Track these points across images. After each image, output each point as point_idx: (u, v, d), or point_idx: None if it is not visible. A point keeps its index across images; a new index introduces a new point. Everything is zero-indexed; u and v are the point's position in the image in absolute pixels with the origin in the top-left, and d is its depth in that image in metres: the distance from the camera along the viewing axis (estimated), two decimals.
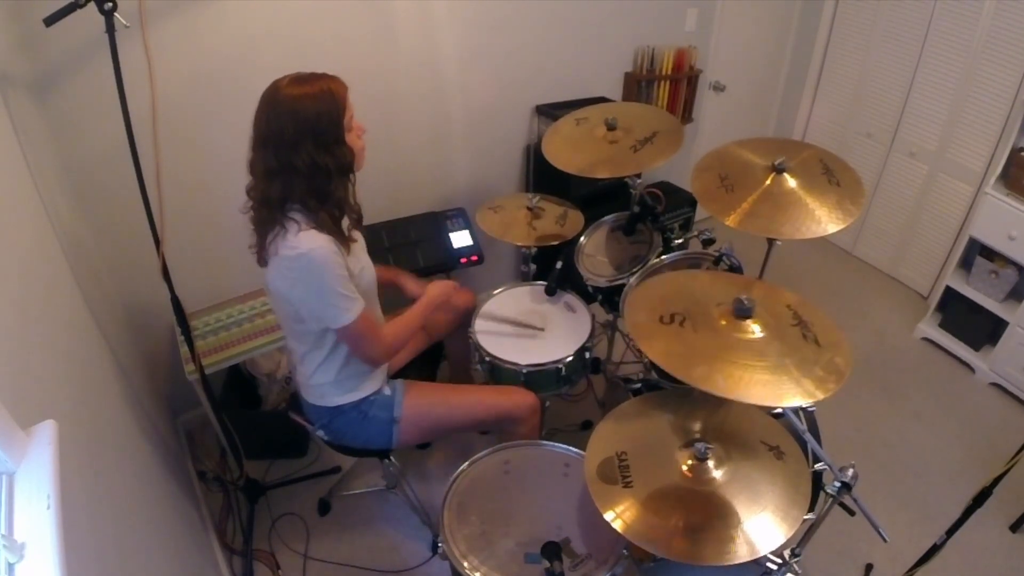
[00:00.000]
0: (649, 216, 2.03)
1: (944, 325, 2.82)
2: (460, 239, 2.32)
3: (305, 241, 1.35)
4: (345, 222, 1.47)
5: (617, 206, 2.22)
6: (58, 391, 1.14)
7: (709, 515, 1.19)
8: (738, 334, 1.27)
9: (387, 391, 1.68)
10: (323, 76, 1.36)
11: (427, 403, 1.71)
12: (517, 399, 1.73)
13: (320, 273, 1.37)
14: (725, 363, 1.20)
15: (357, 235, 1.59)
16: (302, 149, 1.31)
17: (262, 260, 1.45)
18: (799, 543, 1.31)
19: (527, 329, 1.92)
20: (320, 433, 1.70)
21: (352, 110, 1.39)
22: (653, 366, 1.77)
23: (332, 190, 1.39)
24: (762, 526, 1.16)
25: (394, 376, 1.77)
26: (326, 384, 1.59)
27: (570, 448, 1.56)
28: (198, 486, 2.17)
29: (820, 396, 1.13)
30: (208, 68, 1.90)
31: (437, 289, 1.71)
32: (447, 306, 1.74)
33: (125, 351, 1.91)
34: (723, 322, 1.29)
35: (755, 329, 1.27)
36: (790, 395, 1.15)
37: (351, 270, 1.46)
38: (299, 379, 1.66)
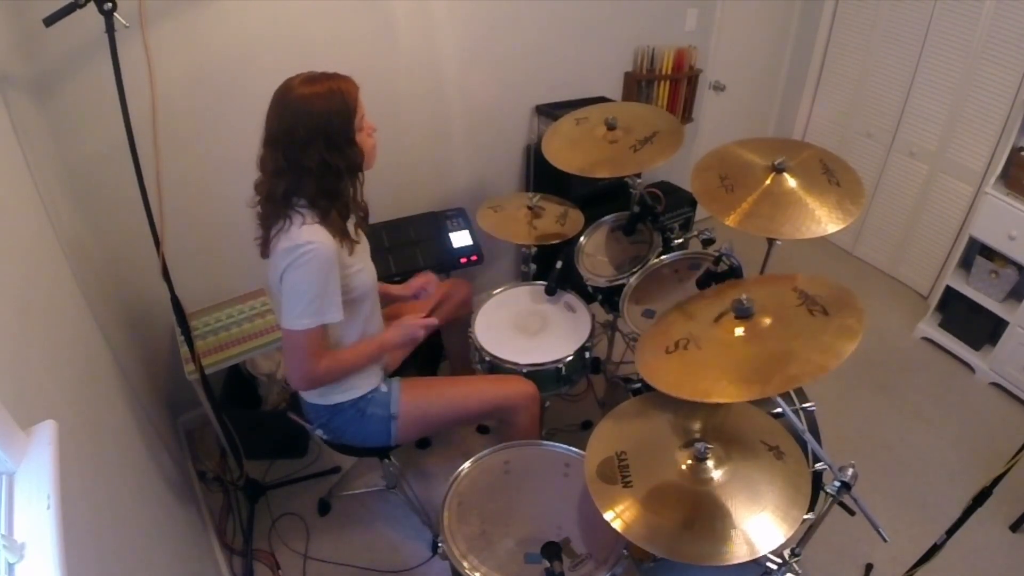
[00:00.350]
0: (649, 216, 2.03)
1: (944, 325, 2.82)
2: (460, 239, 2.32)
3: (307, 234, 1.36)
4: (351, 221, 1.48)
5: (617, 206, 2.22)
6: (58, 391, 1.14)
7: (709, 515, 1.19)
8: (745, 335, 1.25)
9: (384, 388, 1.68)
10: (335, 76, 1.36)
11: (425, 397, 1.71)
12: (515, 388, 1.73)
13: (309, 268, 1.36)
14: (732, 368, 1.20)
15: (361, 236, 1.59)
16: (312, 149, 1.32)
17: (265, 253, 1.45)
18: (799, 543, 1.31)
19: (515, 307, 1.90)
20: (319, 432, 1.70)
21: (363, 109, 1.40)
22: None
23: (342, 189, 1.40)
24: (762, 526, 1.16)
25: (392, 375, 1.77)
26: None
27: (570, 448, 1.56)
28: (198, 486, 2.17)
29: (835, 364, 1.10)
30: (208, 68, 1.90)
31: (398, 332, 1.61)
32: (411, 343, 1.65)
33: (125, 351, 1.91)
34: (730, 330, 1.27)
35: (762, 323, 1.25)
36: (802, 377, 1.12)
37: (348, 268, 1.47)
38: None
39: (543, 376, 1.81)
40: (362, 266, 1.53)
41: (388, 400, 1.66)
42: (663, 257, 1.92)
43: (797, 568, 1.29)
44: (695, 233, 1.92)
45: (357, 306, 1.54)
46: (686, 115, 3.02)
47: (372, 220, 2.23)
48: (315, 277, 1.37)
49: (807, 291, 1.28)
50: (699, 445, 1.26)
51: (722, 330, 1.28)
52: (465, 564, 1.31)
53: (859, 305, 1.20)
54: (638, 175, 1.99)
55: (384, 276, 1.97)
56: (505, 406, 1.72)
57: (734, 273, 1.68)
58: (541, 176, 2.74)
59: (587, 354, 1.88)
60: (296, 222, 1.37)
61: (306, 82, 1.33)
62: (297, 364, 1.46)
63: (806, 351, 1.15)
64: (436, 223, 2.39)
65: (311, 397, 1.64)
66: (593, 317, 1.96)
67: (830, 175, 1.59)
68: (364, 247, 1.60)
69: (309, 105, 1.31)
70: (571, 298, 2.03)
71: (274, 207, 1.39)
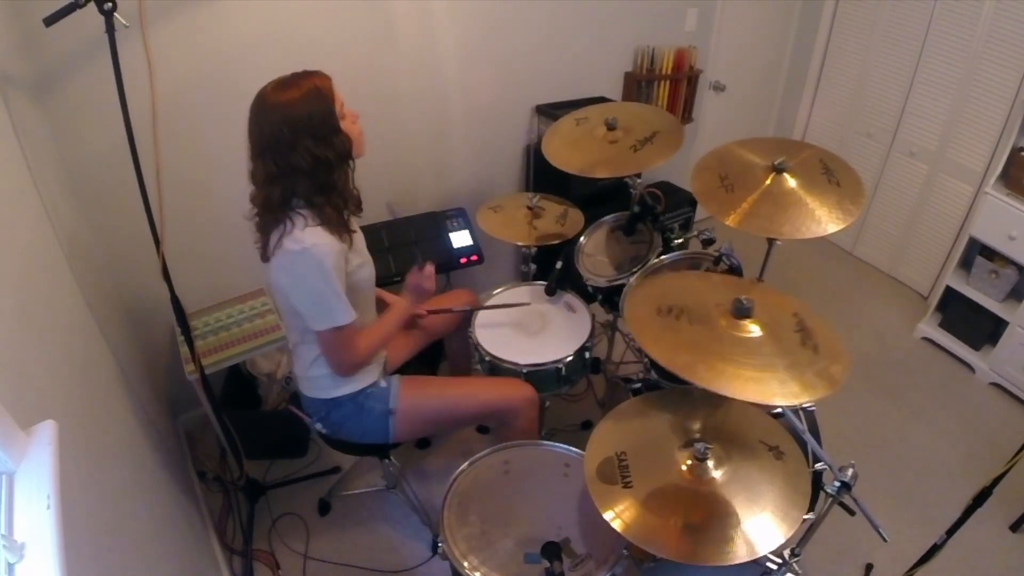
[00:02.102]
0: (649, 216, 2.03)
1: (944, 325, 2.82)
2: (460, 239, 2.32)
3: (310, 237, 1.38)
4: (348, 212, 1.49)
5: (617, 206, 2.22)
6: (58, 391, 1.14)
7: (709, 515, 1.19)
8: (734, 332, 1.28)
9: (383, 384, 1.69)
10: (304, 75, 1.38)
11: (423, 395, 1.72)
12: (514, 391, 1.73)
13: (319, 270, 1.39)
14: (711, 356, 1.22)
15: (355, 227, 1.60)
16: (301, 148, 1.34)
17: (266, 256, 1.46)
18: (799, 543, 1.31)
19: (516, 308, 1.96)
20: (318, 426, 1.70)
21: (341, 98, 1.41)
22: (652, 365, 1.77)
23: (335, 180, 1.42)
24: (762, 526, 1.16)
25: (392, 373, 1.78)
26: (323, 376, 1.61)
27: (570, 448, 1.56)
28: (198, 486, 2.17)
29: (805, 400, 1.14)
30: (208, 68, 1.90)
31: (408, 301, 1.68)
32: (425, 300, 1.72)
33: (125, 351, 1.91)
34: (722, 321, 1.30)
35: (753, 329, 1.28)
36: (773, 394, 1.17)
37: (351, 264, 1.49)
38: (297, 372, 1.68)
39: (543, 376, 1.81)
40: (361, 260, 1.56)
41: (387, 395, 1.67)
42: (663, 257, 1.92)
43: (797, 568, 1.30)
44: (695, 233, 1.92)
45: (359, 299, 1.56)
46: (686, 115, 3.02)
47: (372, 220, 2.25)
48: (330, 272, 1.40)
49: (807, 323, 1.31)
50: (699, 445, 1.26)
51: (719, 321, 1.30)
52: (465, 564, 1.31)
53: (847, 359, 1.23)
54: (638, 175, 1.99)
55: (384, 276, 1.98)
56: (503, 409, 1.72)
57: (734, 273, 1.68)
58: (541, 176, 2.73)
59: (587, 354, 1.88)
60: (298, 224, 1.38)
61: (279, 87, 1.35)
62: (343, 356, 1.53)
63: (785, 375, 1.19)
64: (436, 223, 2.39)
65: (309, 391, 1.66)
66: (593, 317, 1.96)
67: (830, 175, 1.59)
68: (360, 239, 1.61)
69: (289, 108, 1.33)
70: (571, 298, 2.03)
71: (273, 215, 1.41)
